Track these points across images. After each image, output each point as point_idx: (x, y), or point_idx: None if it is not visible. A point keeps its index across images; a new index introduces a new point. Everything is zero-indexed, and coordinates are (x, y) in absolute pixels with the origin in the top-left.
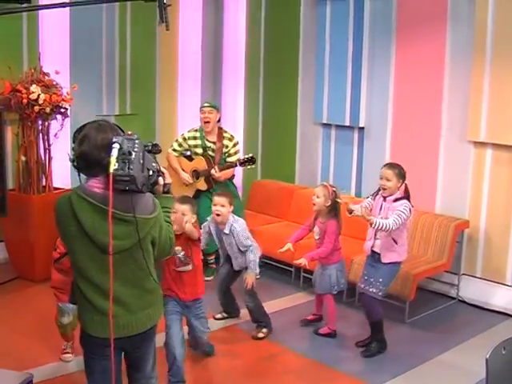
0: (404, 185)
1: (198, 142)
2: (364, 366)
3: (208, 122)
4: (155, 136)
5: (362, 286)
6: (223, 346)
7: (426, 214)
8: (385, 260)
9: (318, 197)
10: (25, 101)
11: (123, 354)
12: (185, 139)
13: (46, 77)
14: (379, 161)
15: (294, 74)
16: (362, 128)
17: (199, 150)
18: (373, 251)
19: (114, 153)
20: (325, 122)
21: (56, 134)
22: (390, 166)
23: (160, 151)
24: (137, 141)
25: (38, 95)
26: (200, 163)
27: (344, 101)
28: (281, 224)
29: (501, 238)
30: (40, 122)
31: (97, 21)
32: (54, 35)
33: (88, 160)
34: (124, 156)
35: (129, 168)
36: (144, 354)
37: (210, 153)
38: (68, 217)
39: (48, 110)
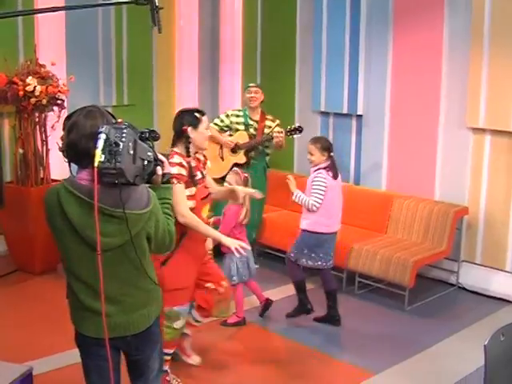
0: (329, 157)
1: (241, 119)
2: (363, 353)
3: (254, 101)
4: (153, 126)
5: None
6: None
7: (425, 200)
8: (300, 226)
9: (229, 184)
10: (21, 93)
11: (124, 357)
12: (227, 116)
13: (42, 68)
14: (378, 148)
15: (292, 63)
16: (360, 116)
17: (241, 127)
18: None
19: (100, 144)
20: (323, 110)
21: (53, 125)
22: (314, 140)
23: (158, 138)
24: (125, 130)
25: (35, 87)
26: (242, 137)
27: (342, 88)
28: (281, 213)
29: (500, 225)
30: (37, 114)
31: (93, 11)
32: (49, 26)
33: (77, 150)
34: (111, 147)
35: (116, 160)
36: (145, 358)
37: (252, 130)
38: (56, 211)
39: (44, 101)
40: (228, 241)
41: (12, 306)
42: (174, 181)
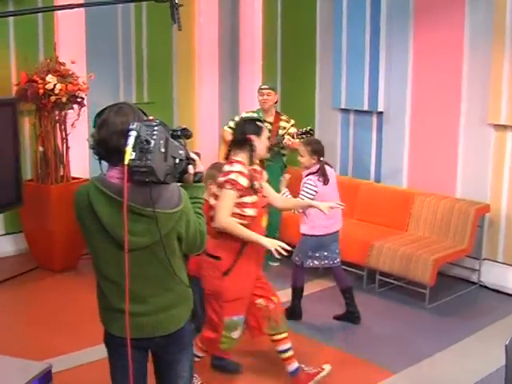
0: (319, 161)
1: None
2: (383, 352)
3: (266, 103)
4: (173, 124)
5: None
6: None
7: (446, 198)
8: (300, 230)
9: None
10: (41, 91)
11: (153, 358)
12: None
13: (62, 66)
14: (398, 145)
15: (312, 59)
16: (381, 113)
17: None
18: None
19: (130, 141)
20: (343, 107)
21: (73, 123)
22: (307, 142)
23: (190, 136)
24: (157, 127)
25: (54, 85)
26: None
27: (362, 85)
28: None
29: None
30: (57, 112)
31: (112, 9)
32: (69, 24)
33: (107, 147)
34: (142, 145)
35: (146, 158)
36: (173, 362)
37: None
38: (85, 210)
39: (64, 99)
40: (268, 242)
41: (32, 303)
42: (228, 186)
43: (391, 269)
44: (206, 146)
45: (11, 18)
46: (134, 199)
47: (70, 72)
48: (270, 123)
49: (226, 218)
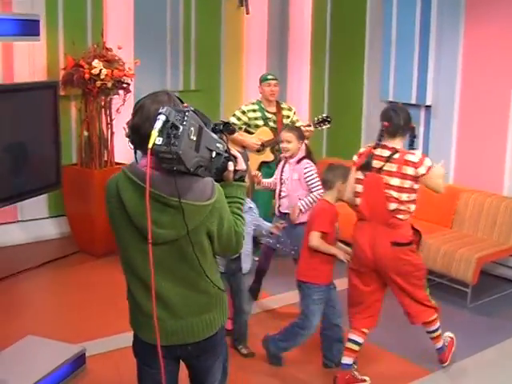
0: (304, 145)
1: (258, 114)
2: (422, 350)
3: (274, 95)
4: (220, 113)
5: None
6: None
7: (492, 195)
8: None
9: None
10: (87, 76)
11: (184, 364)
12: (244, 112)
13: (109, 52)
14: (446, 140)
15: (360, 51)
16: (429, 106)
17: (260, 122)
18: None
19: (157, 125)
20: (391, 99)
21: (118, 108)
22: (289, 128)
23: (234, 131)
24: (188, 113)
25: (100, 70)
26: (264, 133)
27: (411, 78)
28: (344, 203)
29: None
30: (102, 97)
31: None
32: (118, 10)
33: (139, 134)
34: (170, 130)
35: (173, 144)
36: (206, 369)
37: (272, 124)
38: (115, 198)
39: (110, 84)
40: None
41: (71, 287)
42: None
43: (433, 266)
44: None
45: (60, 3)
46: (160, 188)
47: (117, 58)
48: (274, 113)
49: None
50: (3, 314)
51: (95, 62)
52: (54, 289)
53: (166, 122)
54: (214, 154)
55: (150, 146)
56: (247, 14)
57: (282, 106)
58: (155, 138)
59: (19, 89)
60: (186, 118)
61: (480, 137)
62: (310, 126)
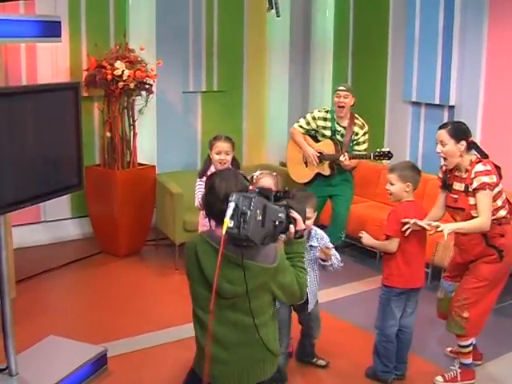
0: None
1: (328, 123)
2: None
3: (342, 107)
4: (242, 114)
5: None
6: None
7: None
8: None
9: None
10: (109, 77)
11: None
12: (314, 118)
13: (131, 53)
14: None
15: (384, 51)
16: (453, 107)
17: (327, 133)
18: None
19: (229, 212)
20: (414, 100)
21: (141, 109)
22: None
23: (293, 197)
24: (254, 199)
25: (123, 71)
26: (327, 146)
27: (434, 78)
28: (367, 204)
29: None
30: (125, 98)
31: None
32: (140, 11)
33: (213, 211)
34: (239, 215)
35: (243, 228)
36: None
37: (339, 137)
38: (192, 260)
39: (132, 85)
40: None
41: (93, 287)
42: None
43: None
44: (275, 138)
45: (83, 5)
46: (233, 251)
47: (139, 59)
48: (344, 127)
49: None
50: (26, 314)
51: (118, 63)
52: (76, 289)
53: (236, 208)
54: (277, 223)
55: (224, 231)
56: (278, 16)
57: (356, 121)
58: (228, 223)
59: (42, 90)
60: (252, 203)
61: (504, 137)
62: (369, 157)
